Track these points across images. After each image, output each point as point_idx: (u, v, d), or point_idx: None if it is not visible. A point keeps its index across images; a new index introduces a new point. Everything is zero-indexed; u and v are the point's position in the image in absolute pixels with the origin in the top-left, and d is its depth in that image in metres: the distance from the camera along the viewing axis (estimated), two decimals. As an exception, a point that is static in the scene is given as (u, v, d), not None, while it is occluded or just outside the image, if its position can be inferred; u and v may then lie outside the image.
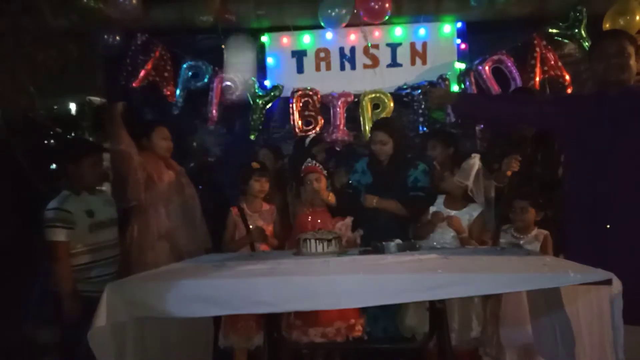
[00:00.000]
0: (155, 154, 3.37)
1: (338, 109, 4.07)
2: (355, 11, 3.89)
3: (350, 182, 3.36)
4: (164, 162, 3.43)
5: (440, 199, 3.09)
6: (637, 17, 3.71)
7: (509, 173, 3.01)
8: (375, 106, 4.11)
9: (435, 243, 2.96)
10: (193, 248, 3.04)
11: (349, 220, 3.06)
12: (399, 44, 4.19)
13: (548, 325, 2.28)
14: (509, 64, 3.96)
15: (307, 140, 3.86)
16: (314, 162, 3.24)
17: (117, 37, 3.95)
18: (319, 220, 3.13)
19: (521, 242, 2.85)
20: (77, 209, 2.72)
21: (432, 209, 3.09)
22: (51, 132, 4.13)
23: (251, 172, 3.23)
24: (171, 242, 3.20)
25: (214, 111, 4.04)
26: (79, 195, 2.78)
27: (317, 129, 4.09)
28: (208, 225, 3.47)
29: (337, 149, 4.13)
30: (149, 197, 3.16)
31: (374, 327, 3.03)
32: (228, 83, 4.10)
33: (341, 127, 4.07)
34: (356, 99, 4.11)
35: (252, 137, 4.09)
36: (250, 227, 3.15)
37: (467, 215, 3.00)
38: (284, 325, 2.93)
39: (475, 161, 2.99)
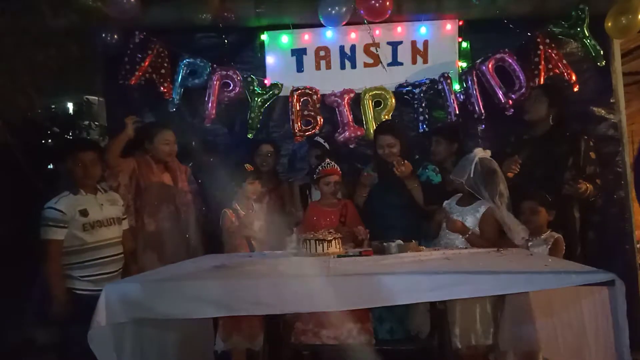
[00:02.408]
0: (154, 158, 3.36)
1: (343, 107, 4.03)
2: (355, 9, 3.86)
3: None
4: (164, 165, 3.42)
5: (455, 197, 3.06)
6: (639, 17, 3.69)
7: (510, 175, 2.99)
8: (377, 103, 4.08)
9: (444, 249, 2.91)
10: (183, 258, 3.00)
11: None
12: (400, 42, 4.15)
13: (550, 326, 2.27)
14: (512, 63, 3.93)
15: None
16: (333, 163, 3.23)
17: (116, 36, 3.93)
18: (325, 221, 3.13)
19: (529, 244, 2.83)
20: (71, 208, 2.75)
21: (445, 204, 3.06)
22: (49, 132, 4.12)
23: (245, 175, 3.24)
24: (159, 253, 3.19)
25: (212, 109, 4.02)
26: (76, 195, 2.82)
27: (317, 128, 4.05)
28: (206, 226, 3.46)
29: (351, 146, 4.09)
30: (135, 206, 3.15)
31: (380, 329, 3.01)
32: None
33: (350, 124, 4.02)
34: (357, 96, 4.08)
35: (250, 135, 4.06)
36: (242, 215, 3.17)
37: (473, 211, 2.96)
38: (293, 328, 2.91)
39: (475, 157, 2.96)
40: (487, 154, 2.96)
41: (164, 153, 3.37)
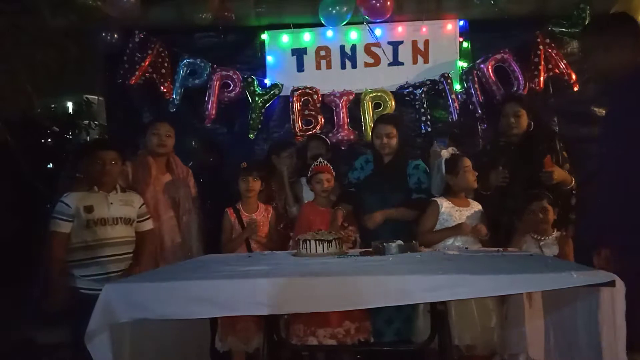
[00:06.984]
0: (151, 154, 3.32)
1: (340, 109, 4.03)
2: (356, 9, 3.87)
3: (350, 180, 3.35)
4: (166, 163, 3.38)
5: (448, 200, 2.95)
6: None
7: (497, 184, 3.04)
8: (377, 105, 4.08)
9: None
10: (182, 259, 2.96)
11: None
12: (401, 42, 4.15)
13: (541, 327, 2.25)
14: (512, 63, 3.93)
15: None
16: (325, 162, 3.21)
17: (115, 36, 3.93)
18: (320, 221, 3.11)
19: (541, 243, 2.83)
20: (77, 203, 2.76)
21: (442, 206, 2.94)
22: (49, 132, 4.12)
23: (238, 172, 3.23)
24: (158, 262, 3.17)
25: (212, 109, 4.01)
26: (88, 192, 2.83)
27: (318, 128, 4.05)
28: (208, 227, 3.44)
29: (343, 148, 4.10)
30: None
31: (382, 329, 2.99)
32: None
33: (345, 126, 4.03)
34: (357, 97, 4.08)
35: (250, 136, 4.06)
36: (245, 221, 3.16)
37: (476, 213, 2.95)
38: (290, 330, 2.90)
39: (442, 161, 3.00)
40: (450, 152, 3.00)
41: (153, 144, 3.29)
